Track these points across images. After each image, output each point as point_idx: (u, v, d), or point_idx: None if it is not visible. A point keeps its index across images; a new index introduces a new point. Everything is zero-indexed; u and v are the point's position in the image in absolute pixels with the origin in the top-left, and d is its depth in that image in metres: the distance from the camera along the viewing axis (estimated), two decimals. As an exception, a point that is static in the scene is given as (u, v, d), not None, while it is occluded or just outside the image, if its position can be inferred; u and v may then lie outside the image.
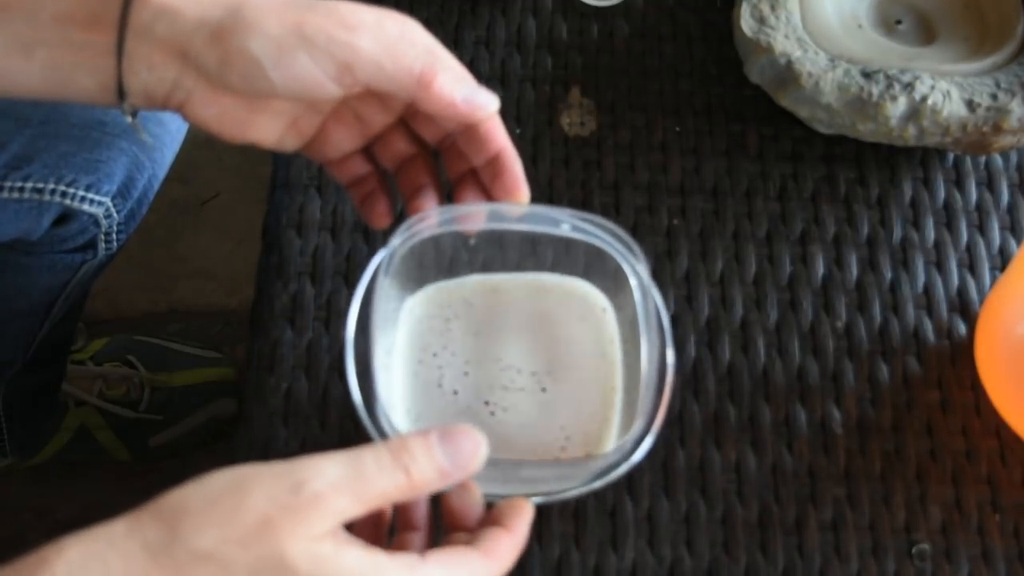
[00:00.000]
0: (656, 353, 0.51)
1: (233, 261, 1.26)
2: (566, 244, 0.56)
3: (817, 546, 0.60)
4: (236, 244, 1.27)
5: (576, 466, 0.52)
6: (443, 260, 0.58)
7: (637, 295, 0.53)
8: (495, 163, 0.53)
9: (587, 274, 0.59)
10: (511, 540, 0.47)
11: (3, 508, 1.11)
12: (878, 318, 0.66)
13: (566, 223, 0.55)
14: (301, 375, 0.63)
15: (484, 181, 0.54)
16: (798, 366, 0.65)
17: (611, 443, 0.55)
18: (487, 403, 0.56)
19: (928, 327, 0.66)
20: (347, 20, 0.48)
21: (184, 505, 0.41)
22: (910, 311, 0.67)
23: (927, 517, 0.61)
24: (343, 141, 0.54)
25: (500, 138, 0.53)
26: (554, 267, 0.59)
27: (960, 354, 0.65)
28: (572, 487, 0.52)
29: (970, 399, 0.64)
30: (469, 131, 0.52)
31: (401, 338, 0.58)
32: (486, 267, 0.59)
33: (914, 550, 0.60)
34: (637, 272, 0.53)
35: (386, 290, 0.53)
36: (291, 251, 0.67)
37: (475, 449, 0.45)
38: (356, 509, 0.42)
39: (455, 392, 0.57)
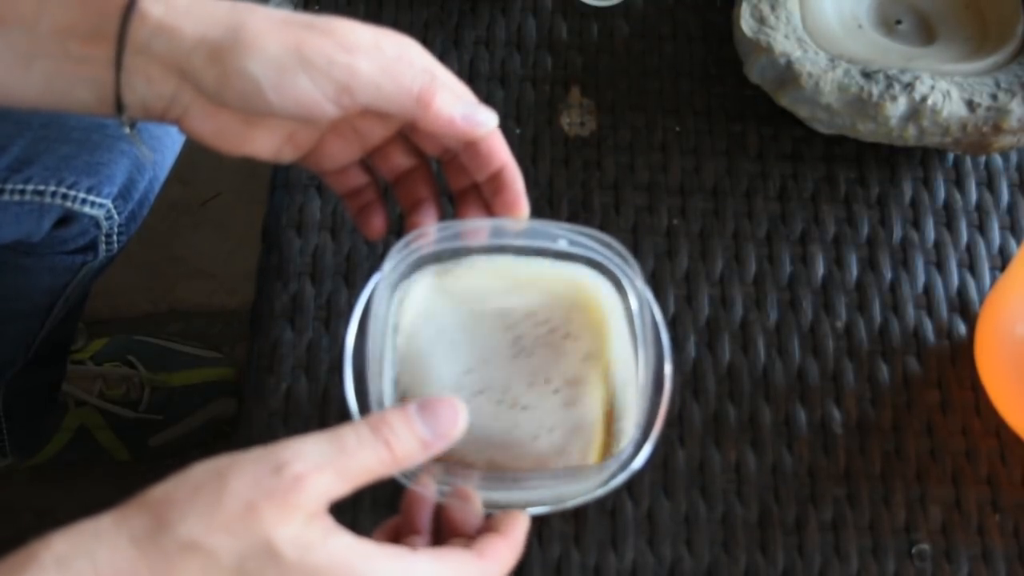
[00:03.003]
0: (652, 363, 0.52)
1: (233, 261, 1.26)
2: (565, 258, 0.57)
3: (817, 546, 0.60)
4: (236, 244, 1.27)
5: (575, 476, 0.52)
6: (443, 276, 0.58)
7: (635, 307, 0.53)
8: (496, 179, 0.53)
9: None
10: (506, 544, 0.48)
11: (3, 508, 1.11)
12: (878, 318, 0.66)
13: (563, 239, 0.55)
14: (301, 375, 0.63)
15: (485, 196, 0.54)
16: (798, 366, 0.65)
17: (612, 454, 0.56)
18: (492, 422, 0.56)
19: (928, 327, 0.66)
20: (346, 41, 0.48)
21: (169, 496, 0.41)
22: (910, 311, 0.67)
23: (927, 517, 0.61)
24: (341, 154, 0.54)
25: (502, 154, 0.53)
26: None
27: (960, 354, 0.65)
28: (571, 497, 0.52)
29: (970, 399, 0.64)
30: (470, 147, 0.53)
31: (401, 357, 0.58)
32: (485, 279, 0.59)
33: (914, 550, 0.60)
34: (635, 285, 0.54)
35: (384, 308, 0.53)
36: (291, 251, 0.67)
37: (455, 417, 0.46)
38: (340, 487, 0.42)
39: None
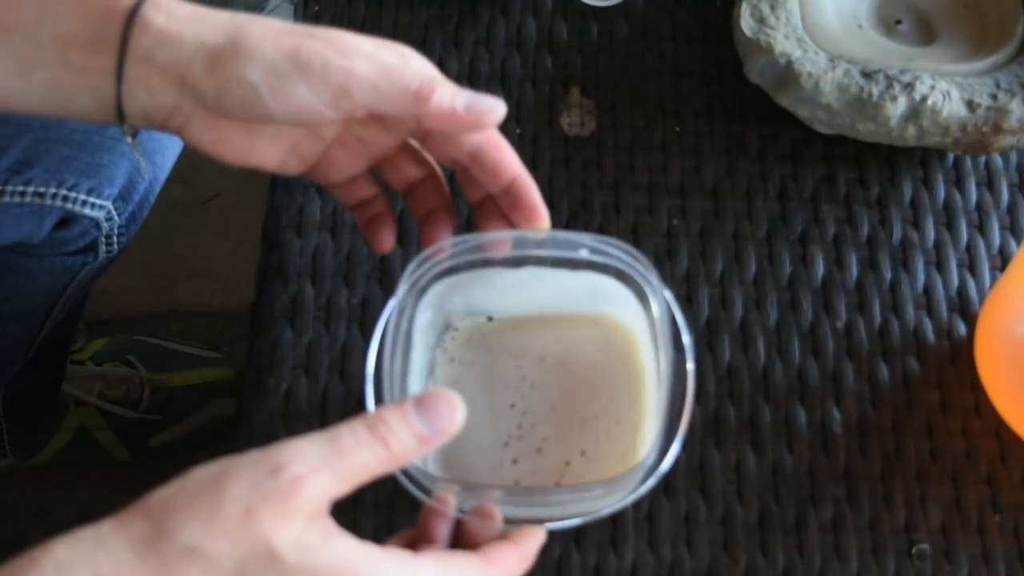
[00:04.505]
0: (674, 368, 0.51)
1: (233, 261, 1.26)
2: (587, 267, 0.56)
3: (817, 546, 0.60)
4: (236, 244, 1.27)
5: (600, 489, 0.52)
6: (465, 289, 0.58)
7: (656, 313, 0.53)
8: (510, 192, 0.53)
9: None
10: (515, 553, 0.47)
11: (3, 508, 1.12)
12: (878, 318, 0.66)
13: (584, 248, 0.55)
14: (301, 375, 0.63)
15: (503, 208, 0.53)
16: (798, 366, 0.65)
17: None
18: (508, 444, 0.56)
19: (928, 327, 0.66)
20: (344, 46, 0.48)
21: (168, 502, 0.41)
22: (910, 311, 0.67)
23: (927, 517, 0.61)
24: (347, 165, 0.54)
25: (511, 167, 0.52)
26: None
27: (960, 354, 0.65)
28: (601, 508, 0.52)
29: (970, 399, 0.64)
30: (477, 160, 0.52)
31: (423, 376, 0.58)
32: (509, 293, 0.59)
33: (914, 550, 0.60)
34: (656, 291, 0.54)
35: (404, 329, 0.53)
36: (291, 251, 0.67)
37: (452, 411, 0.45)
38: (339, 487, 0.42)
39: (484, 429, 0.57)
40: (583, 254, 0.55)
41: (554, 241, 0.55)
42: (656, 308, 0.53)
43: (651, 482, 0.51)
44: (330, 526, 0.42)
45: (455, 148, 0.52)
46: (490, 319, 0.60)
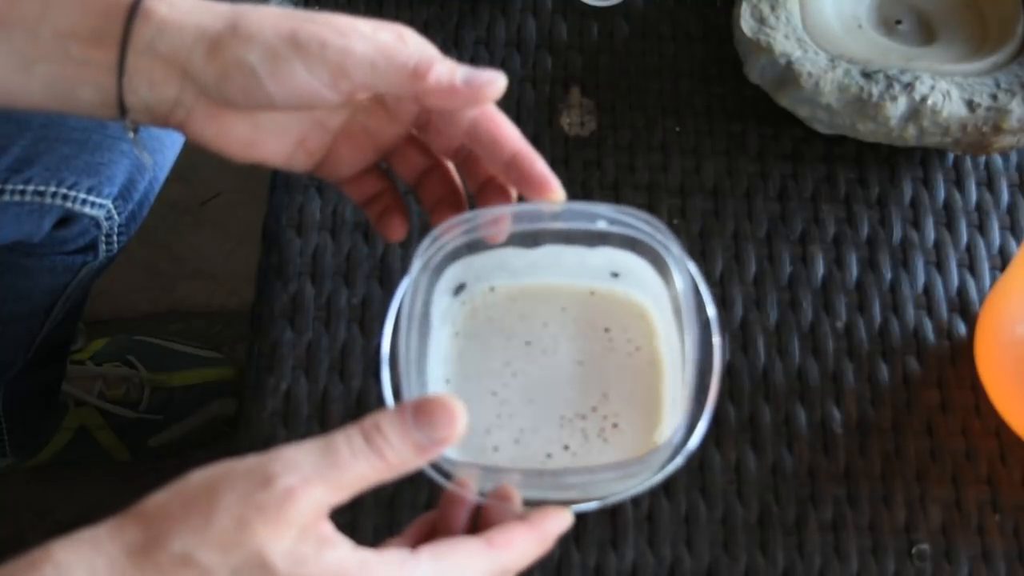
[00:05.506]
0: (699, 339, 0.50)
1: (233, 261, 1.26)
2: (605, 237, 0.55)
3: (817, 546, 0.60)
4: (236, 244, 1.27)
5: (623, 469, 0.51)
6: (480, 271, 0.57)
7: (679, 285, 0.52)
8: (514, 166, 0.51)
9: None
10: (527, 534, 0.46)
11: (3, 508, 1.11)
12: (878, 318, 0.66)
13: (603, 219, 0.53)
14: (301, 375, 0.63)
15: (511, 185, 0.52)
16: (798, 366, 0.65)
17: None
18: (489, 431, 0.55)
19: (928, 327, 0.66)
20: (341, 27, 0.48)
21: (163, 508, 0.41)
22: (910, 311, 0.67)
23: (927, 517, 0.61)
24: (354, 159, 0.54)
25: (511, 139, 0.51)
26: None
27: (960, 354, 0.65)
28: (625, 490, 0.51)
29: (970, 399, 0.64)
30: (476, 138, 0.51)
31: (444, 356, 0.57)
32: (526, 268, 0.58)
33: (914, 550, 0.60)
34: (678, 261, 0.52)
35: (420, 311, 0.52)
36: (291, 251, 0.67)
37: (451, 421, 0.44)
38: (334, 497, 0.42)
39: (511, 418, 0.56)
40: (601, 225, 0.53)
41: (570, 212, 0.53)
42: (679, 281, 0.51)
43: (679, 460, 0.50)
44: (326, 534, 0.42)
45: (455, 128, 0.51)
46: (492, 289, 0.58)
